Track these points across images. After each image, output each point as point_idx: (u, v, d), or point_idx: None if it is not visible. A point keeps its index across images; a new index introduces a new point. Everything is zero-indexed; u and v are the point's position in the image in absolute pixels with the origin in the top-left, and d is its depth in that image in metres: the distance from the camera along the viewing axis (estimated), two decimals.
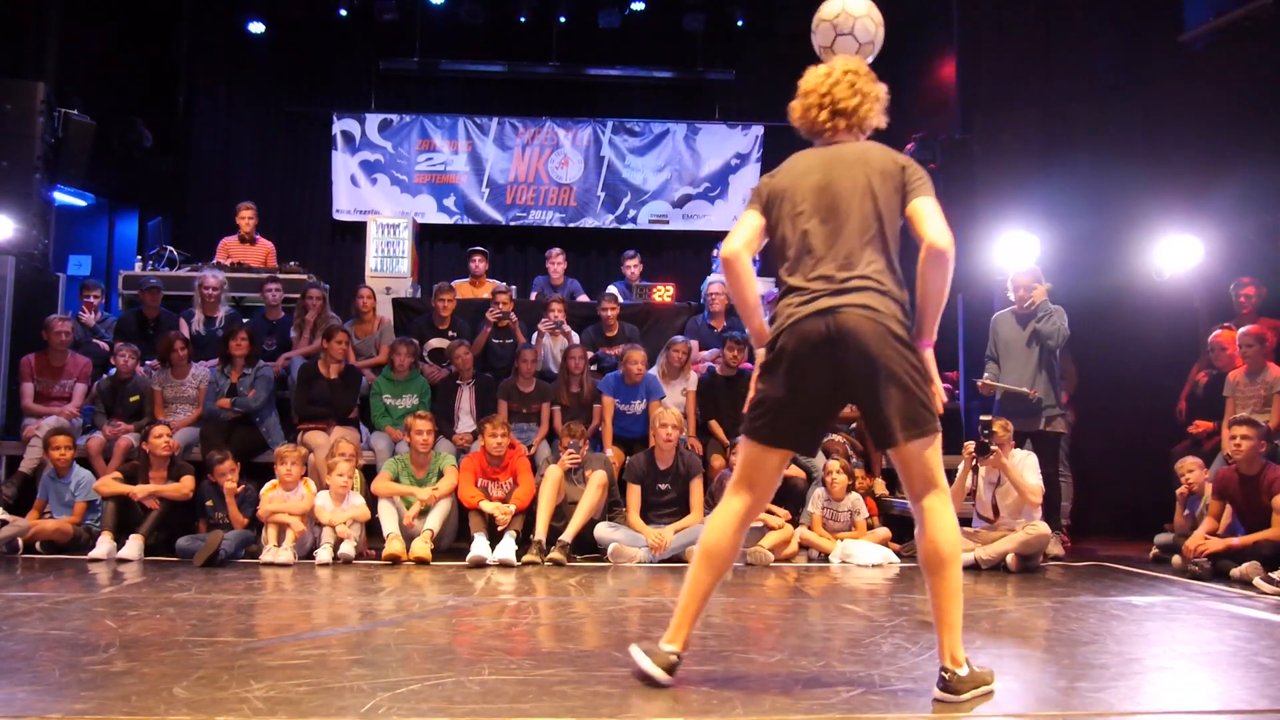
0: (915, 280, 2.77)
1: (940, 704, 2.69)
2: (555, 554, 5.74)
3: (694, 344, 7.79)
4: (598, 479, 6.04)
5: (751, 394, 2.87)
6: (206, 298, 7.75)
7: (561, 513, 6.02)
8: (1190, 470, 6.08)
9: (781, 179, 2.93)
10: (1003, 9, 8.71)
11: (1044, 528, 5.74)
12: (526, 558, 5.69)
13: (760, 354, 2.87)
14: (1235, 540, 5.46)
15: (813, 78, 2.94)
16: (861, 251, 2.76)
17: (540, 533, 5.86)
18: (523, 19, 11.03)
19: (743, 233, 2.92)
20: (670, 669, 2.80)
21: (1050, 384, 6.44)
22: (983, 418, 5.79)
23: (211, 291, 7.76)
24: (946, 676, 2.71)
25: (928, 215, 2.75)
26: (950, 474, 6.45)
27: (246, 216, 8.75)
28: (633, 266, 9.25)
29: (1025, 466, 5.85)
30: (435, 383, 7.22)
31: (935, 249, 2.69)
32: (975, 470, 5.84)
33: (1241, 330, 6.51)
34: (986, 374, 6.59)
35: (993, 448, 5.66)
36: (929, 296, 2.75)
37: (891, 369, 2.67)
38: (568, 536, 5.84)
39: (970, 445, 5.85)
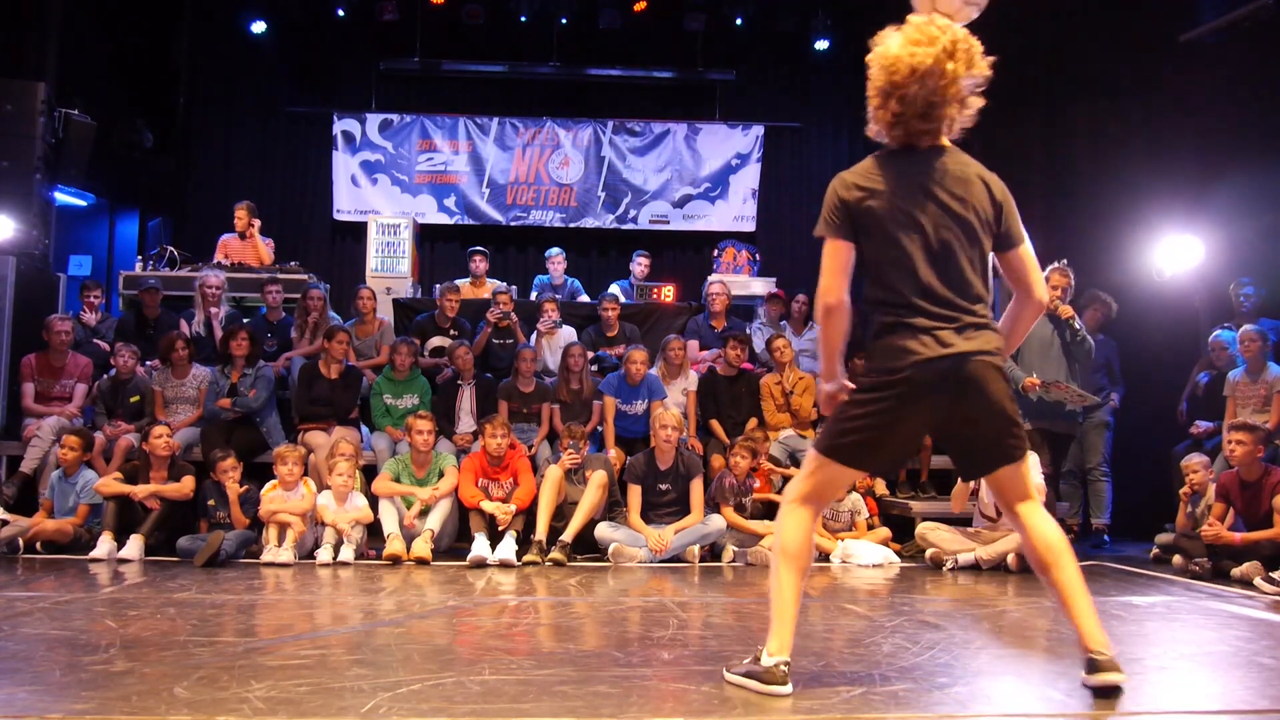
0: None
1: (1099, 694, 2.69)
2: (556, 554, 5.74)
3: (693, 343, 7.80)
4: (598, 479, 6.04)
5: (841, 413, 2.75)
6: (208, 297, 7.76)
7: (562, 513, 6.02)
8: (1195, 470, 6.04)
9: (875, 201, 2.71)
10: (1003, 8, 8.69)
11: None
12: (527, 558, 5.70)
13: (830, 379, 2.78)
14: (1249, 535, 5.44)
15: (918, 48, 2.68)
16: (973, 286, 2.75)
17: (541, 533, 5.86)
18: (523, 19, 11.02)
19: (841, 277, 2.73)
20: (784, 680, 2.71)
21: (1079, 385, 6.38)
22: None
23: (213, 291, 7.76)
24: (1099, 660, 2.67)
25: (1030, 265, 2.85)
26: (954, 475, 6.48)
27: (240, 216, 8.76)
28: (643, 265, 9.29)
29: (1028, 466, 5.81)
30: (438, 379, 7.23)
31: (1043, 305, 2.90)
32: None
33: (1242, 330, 6.51)
34: (1034, 372, 6.24)
35: None
36: (1016, 334, 2.94)
37: (1005, 409, 2.76)
38: (568, 536, 5.84)
39: None
